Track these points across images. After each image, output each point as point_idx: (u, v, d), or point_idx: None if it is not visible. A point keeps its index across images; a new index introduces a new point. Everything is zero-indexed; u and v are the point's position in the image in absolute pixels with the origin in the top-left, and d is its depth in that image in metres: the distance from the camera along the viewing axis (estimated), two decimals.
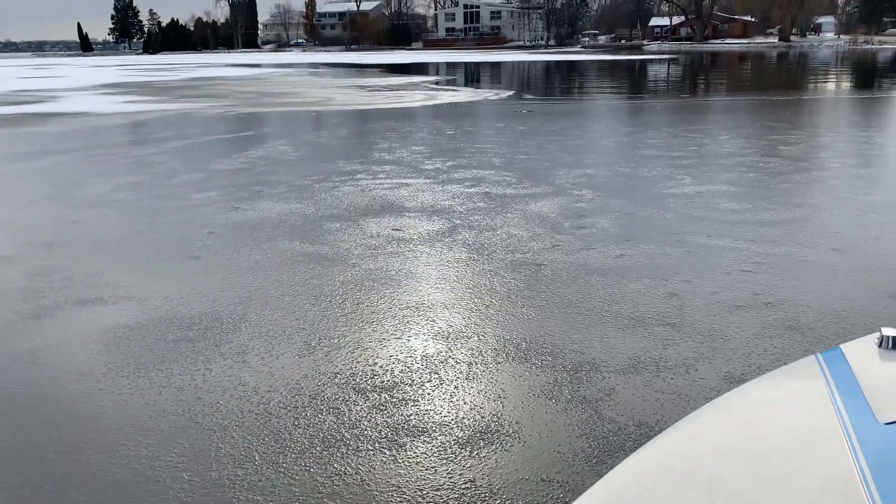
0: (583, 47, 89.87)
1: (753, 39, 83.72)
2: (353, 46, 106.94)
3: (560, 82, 30.34)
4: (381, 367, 3.37)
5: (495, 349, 3.53)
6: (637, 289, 4.40)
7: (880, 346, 1.34)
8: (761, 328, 3.77)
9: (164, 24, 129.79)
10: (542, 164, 9.05)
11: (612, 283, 4.52)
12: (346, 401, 3.06)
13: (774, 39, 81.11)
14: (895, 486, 0.91)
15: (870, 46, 63.05)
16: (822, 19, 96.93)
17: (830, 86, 24.95)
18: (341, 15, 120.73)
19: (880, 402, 1.11)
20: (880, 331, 1.36)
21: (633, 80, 30.63)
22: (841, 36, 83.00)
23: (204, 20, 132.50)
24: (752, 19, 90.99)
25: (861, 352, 1.33)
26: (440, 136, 12.08)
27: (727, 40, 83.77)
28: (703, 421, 1.23)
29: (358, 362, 3.42)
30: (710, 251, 5.16)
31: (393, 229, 5.89)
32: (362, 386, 3.19)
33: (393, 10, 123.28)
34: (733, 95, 21.71)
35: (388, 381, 3.23)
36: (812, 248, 5.15)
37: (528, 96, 21.57)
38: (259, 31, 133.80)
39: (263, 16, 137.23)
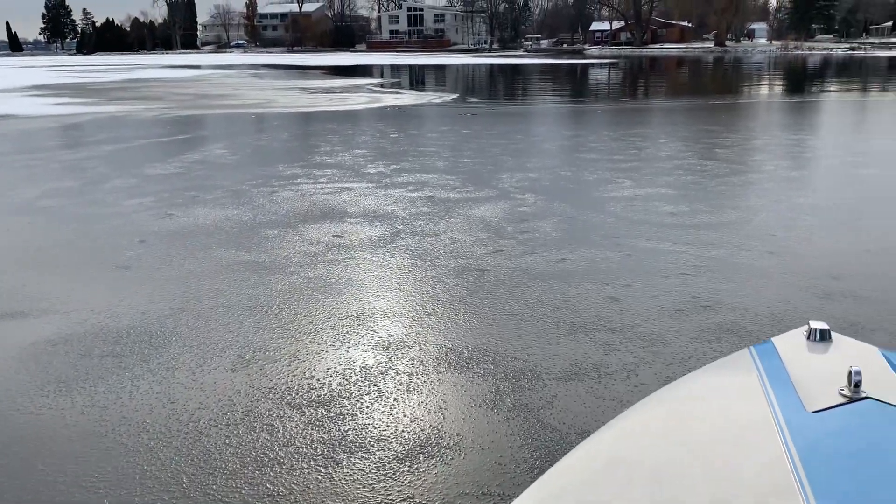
0: (526, 51, 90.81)
1: (691, 44, 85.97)
2: (295, 48, 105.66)
3: (504, 86, 30.56)
4: (318, 380, 3.26)
5: (437, 358, 3.47)
6: (579, 294, 4.40)
7: (808, 338, 1.40)
8: (700, 332, 3.80)
9: (98, 24, 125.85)
10: (486, 167, 9.04)
11: (555, 288, 4.51)
12: (281, 417, 2.95)
13: (711, 44, 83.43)
14: (822, 470, 0.95)
15: (800, 52, 65.44)
16: (755, 25, 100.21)
17: (764, 90, 25.75)
18: (283, 16, 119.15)
19: (808, 392, 1.16)
20: (808, 324, 1.43)
21: (575, 83, 31.06)
22: (773, 42, 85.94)
23: (141, 20, 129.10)
24: (689, 25, 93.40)
25: (791, 344, 1.39)
26: (383, 139, 11.98)
27: (665, 45, 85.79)
28: (644, 414, 1.26)
29: (294, 376, 3.31)
30: (650, 255, 5.20)
31: (333, 235, 5.77)
32: (298, 401, 3.08)
33: (336, 11, 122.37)
34: (672, 99, 22.19)
35: (326, 394, 3.13)
36: (748, 251, 5.24)
37: (473, 99, 21.63)
38: (198, 32, 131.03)
39: (203, 16, 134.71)
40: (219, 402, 3.08)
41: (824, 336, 1.40)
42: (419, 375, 3.29)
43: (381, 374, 3.31)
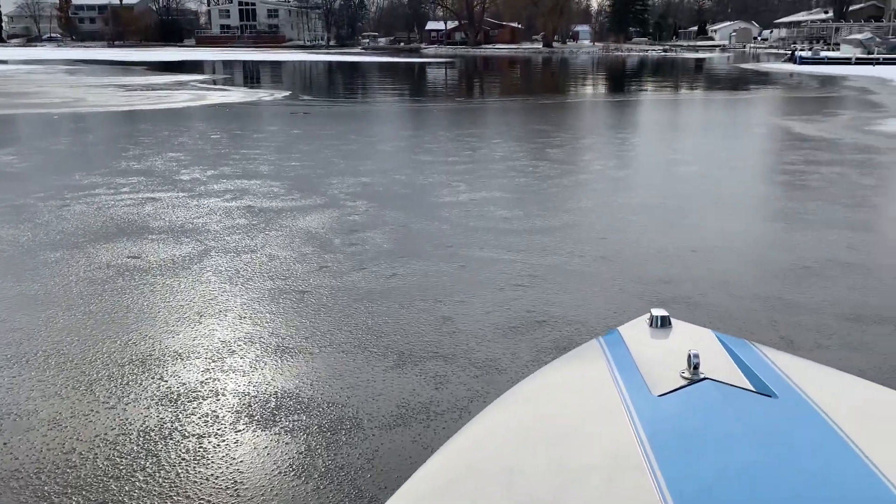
0: (363, 48, 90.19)
1: (521, 45, 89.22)
2: (116, 42, 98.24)
3: (339, 83, 29.86)
4: (80, 454, 2.60)
5: (236, 412, 2.90)
6: (409, 315, 3.99)
7: (651, 325, 1.47)
8: (536, 353, 3.51)
9: None
10: (315, 171, 8.46)
11: (383, 310, 4.07)
12: None
13: (539, 45, 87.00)
14: (668, 449, 0.99)
15: (620, 53, 69.73)
16: (579, 27, 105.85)
17: (590, 89, 26.90)
18: (101, 8, 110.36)
19: (653, 377, 1.20)
20: (650, 312, 1.48)
21: (412, 82, 30.96)
22: (595, 43, 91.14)
23: None
24: (519, 26, 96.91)
25: (635, 332, 1.45)
26: (203, 141, 11.01)
27: (498, 45, 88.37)
28: (500, 414, 1.25)
29: (49, 450, 2.62)
30: (484, 265, 4.90)
31: (129, 257, 4.99)
32: (47, 488, 2.41)
33: (161, 4, 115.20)
34: (505, 98, 22.58)
35: (87, 474, 2.48)
36: (581, 257, 5.08)
37: (306, 97, 20.82)
38: (3, 24, 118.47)
39: (8, 6, 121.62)
40: None
41: (664, 322, 1.47)
42: (212, 437, 2.71)
43: (164, 438, 2.70)
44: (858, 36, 45.81)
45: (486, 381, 3.20)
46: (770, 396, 1.15)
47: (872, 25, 52.57)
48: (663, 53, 67.18)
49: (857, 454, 0.99)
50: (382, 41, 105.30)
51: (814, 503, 0.90)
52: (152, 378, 3.17)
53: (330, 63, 47.16)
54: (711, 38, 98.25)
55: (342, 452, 2.63)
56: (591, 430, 1.10)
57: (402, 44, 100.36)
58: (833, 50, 46.49)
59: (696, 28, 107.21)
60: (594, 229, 5.91)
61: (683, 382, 1.18)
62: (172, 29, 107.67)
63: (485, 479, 1.03)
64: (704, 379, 1.19)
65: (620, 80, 32.78)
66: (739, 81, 29.50)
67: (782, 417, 1.11)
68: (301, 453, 2.62)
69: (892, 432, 1.08)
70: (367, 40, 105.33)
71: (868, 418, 1.12)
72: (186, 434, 2.73)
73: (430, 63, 48.61)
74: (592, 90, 26.56)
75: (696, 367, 1.20)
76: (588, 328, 3.82)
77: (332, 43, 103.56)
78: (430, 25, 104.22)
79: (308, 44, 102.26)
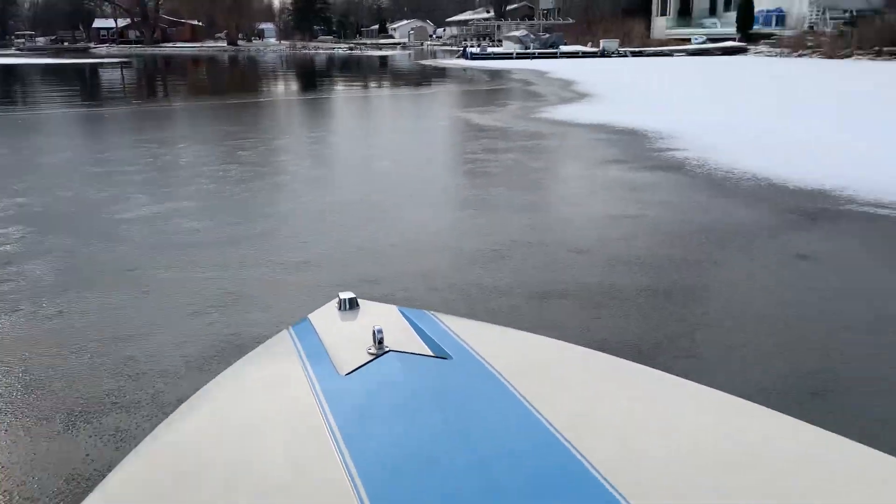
0: (18, 49, 79.18)
1: (204, 43, 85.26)
2: None
3: None
4: None
5: None
6: (81, 362, 3.36)
7: (339, 308, 1.49)
8: None
9: None
10: None
11: (46, 360, 3.38)
12: None
13: (224, 43, 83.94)
14: (356, 428, 1.01)
15: (307, 51, 70.02)
16: (263, 25, 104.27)
17: (280, 87, 26.47)
18: None
19: (341, 358, 1.22)
20: (338, 295, 1.52)
21: (80, 85, 27.78)
22: (282, 41, 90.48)
23: None
24: (200, 23, 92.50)
25: (325, 317, 1.45)
26: None
27: (178, 44, 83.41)
28: (192, 415, 1.19)
29: None
30: (173, 288, 4.37)
31: None
32: None
33: None
34: (189, 100, 21.24)
35: None
36: (283, 265, 4.78)
37: None
38: None
39: None
40: None
41: (352, 304, 1.49)
42: None
43: None
44: (517, 33, 51.32)
45: None
46: (446, 359, 1.20)
47: (527, 24, 59.29)
48: (349, 51, 68.82)
49: (523, 404, 1.04)
50: (42, 41, 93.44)
51: (488, 456, 0.93)
52: None
53: None
54: (392, 37, 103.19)
55: None
56: (283, 422, 1.09)
57: (66, 43, 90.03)
58: (497, 46, 51.49)
59: (377, 26, 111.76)
60: (294, 234, 5.65)
61: (369, 358, 1.21)
62: None
63: (180, 481, 1.00)
64: (388, 351, 1.22)
65: (311, 77, 32.80)
66: (421, 77, 31.24)
67: (457, 377, 1.16)
68: None
69: (552, 379, 1.16)
70: (23, 40, 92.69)
71: (531, 369, 1.19)
72: None
73: (101, 64, 44.20)
74: (283, 88, 26.17)
75: (380, 341, 1.23)
76: None
77: None
78: (99, 23, 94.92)
79: None
